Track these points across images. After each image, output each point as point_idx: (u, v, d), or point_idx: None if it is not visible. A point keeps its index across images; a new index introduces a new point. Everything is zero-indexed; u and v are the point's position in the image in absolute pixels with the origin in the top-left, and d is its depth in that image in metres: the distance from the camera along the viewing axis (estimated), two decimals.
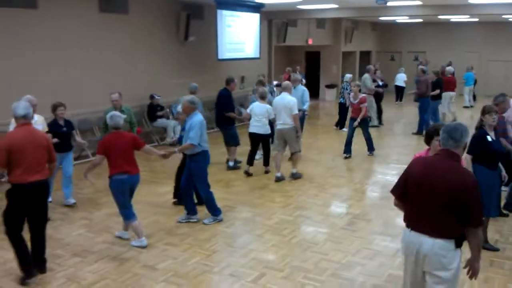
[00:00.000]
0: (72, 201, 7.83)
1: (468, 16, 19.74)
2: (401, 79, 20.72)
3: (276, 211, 7.57)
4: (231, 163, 9.96)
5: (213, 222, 7.03)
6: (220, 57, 14.17)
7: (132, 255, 5.98)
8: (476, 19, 21.89)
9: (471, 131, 4.71)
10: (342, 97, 14.41)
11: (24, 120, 5.21)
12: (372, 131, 11.79)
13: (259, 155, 10.13)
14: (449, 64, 19.71)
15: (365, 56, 25.50)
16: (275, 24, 18.34)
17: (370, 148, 11.28)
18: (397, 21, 23.69)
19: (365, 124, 11.09)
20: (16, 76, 9.75)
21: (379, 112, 15.33)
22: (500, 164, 6.16)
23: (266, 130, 9.30)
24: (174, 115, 12.93)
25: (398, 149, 11.96)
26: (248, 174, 9.45)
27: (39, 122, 7.14)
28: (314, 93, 21.15)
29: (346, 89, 13.84)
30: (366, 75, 14.71)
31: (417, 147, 11.29)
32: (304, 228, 6.90)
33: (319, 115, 18.53)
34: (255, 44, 15.85)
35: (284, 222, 7.08)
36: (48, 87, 10.00)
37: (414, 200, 3.74)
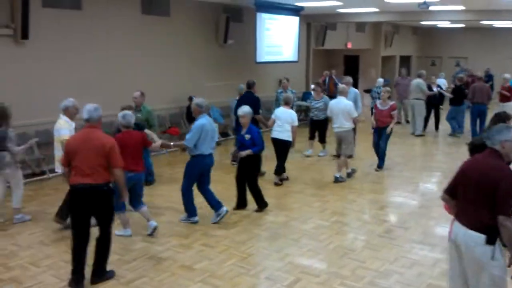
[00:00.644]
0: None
1: (511, 22, 19.22)
2: (441, 84, 20.32)
3: (313, 215, 7.53)
4: None
5: (187, 222, 7.13)
6: (258, 60, 14.20)
7: (169, 254, 6.05)
8: None
9: None
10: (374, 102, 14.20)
11: (87, 123, 5.30)
12: (413, 138, 11.59)
13: (324, 152, 10.48)
14: (487, 71, 19.27)
15: (405, 61, 25.15)
16: (314, 27, 18.27)
17: (381, 162, 10.23)
18: (438, 25, 23.27)
19: (388, 134, 10.11)
20: (60, 75, 10.01)
21: (436, 119, 14.94)
22: None
23: (288, 136, 8.97)
24: (212, 118, 13.05)
25: (439, 157, 11.74)
26: (277, 184, 9.14)
27: (64, 126, 6.55)
28: None
29: (379, 93, 13.65)
30: (420, 80, 13.98)
31: (457, 155, 11.08)
32: (341, 234, 6.83)
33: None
34: (294, 47, 15.83)
35: (320, 227, 7.03)
36: (90, 86, 10.23)
37: (459, 192, 4.10)
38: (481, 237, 3.81)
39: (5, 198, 7.23)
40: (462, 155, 7.88)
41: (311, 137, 11.68)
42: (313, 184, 9.23)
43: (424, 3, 12.11)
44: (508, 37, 23.58)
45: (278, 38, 14.94)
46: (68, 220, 6.16)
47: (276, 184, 9.11)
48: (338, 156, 9.84)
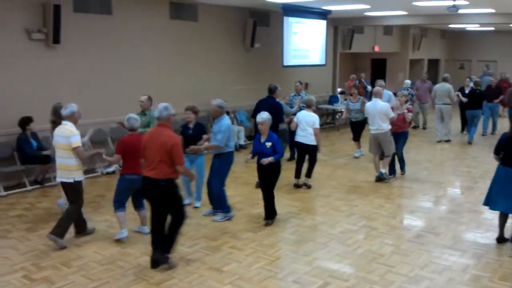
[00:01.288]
0: (196, 204, 7.94)
1: None
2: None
3: (340, 219, 7.49)
4: None
5: (224, 219, 7.29)
6: (285, 63, 14.21)
7: (198, 256, 6.09)
8: None
9: None
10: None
11: (159, 121, 5.69)
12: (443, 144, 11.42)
13: (359, 152, 10.71)
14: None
15: (434, 64, 24.83)
16: (341, 30, 18.18)
17: (402, 165, 10.05)
18: (467, 28, 22.93)
19: (404, 138, 9.87)
20: (90, 79, 10.20)
21: (462, 123, 14.79)
22: None
23: (312, 140, 8.88)
24: (238, 121, 13.12)
25: (468, 161, 11.54)
26: (297, 186, 9.17)
27: (75, 132, 6.25)
28: None
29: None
30: (447, 85, 13.45)
31: (486, 160, 10.86)
32: (370, 239, 6.76)
33: None
34: (321, 51, 15.79)
35: (348, 232, 6.99)
36: (118, 90, 10.39)
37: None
38: None
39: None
40: (490, 159, 7.75)
41: (355, 138, 11.90)
42: (340, 188, 9.19)
43: (454, 6, 11.94)
44: None
45: (305, 42, 14.92)
46: (64, 239, 6.29)
47: (307, 187, 9.19)
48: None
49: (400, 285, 5.38)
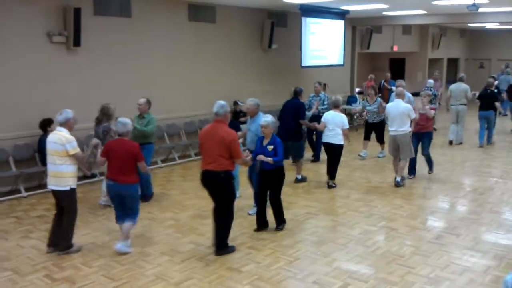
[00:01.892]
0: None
1: None
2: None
3: (359, 220, 7.46)
4: (299, 176, 9.59)
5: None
6: (303, 64, 14.18)
7: (217, 257, 6.11)
8: None
9: None
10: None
11: (216, 117, 6.12)
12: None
13: (382, 153, 10.79)
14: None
15: (453, 64, 24.56)
16: (359, 30, 18.11)
17: (430, 168, 10.08)
18: (487, 27, 22.65)
19: (428, 138, 9.81)
20: (109, 81, 10.31)
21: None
22: None
23: (339, 140, 8.92)
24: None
25: (487, 161, 11.41)
26: (330, 186, 9.20)
27: (72, 139, 6.06)
28: None
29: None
30: (464, 85, 13.22)
31: (507, 160, 10.74)
32: (389, 240, 6.73)
33: None
34: (339, 51, 15.73)
35: (367, 233, 6.96)
36: (138, 92, 10.44)
37: None
38: None
39: None
40: (511, 159, 7.66)
41: (366, 137, 11.85)
42: (359, 189, 9.16)
43: (473, 4, 11.82)
44: None
45: (323, 42, 14.88)
46: (74, 244, 6.26)
47: (330, 187, 9.18)
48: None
49: (421, 286, 5.34)
